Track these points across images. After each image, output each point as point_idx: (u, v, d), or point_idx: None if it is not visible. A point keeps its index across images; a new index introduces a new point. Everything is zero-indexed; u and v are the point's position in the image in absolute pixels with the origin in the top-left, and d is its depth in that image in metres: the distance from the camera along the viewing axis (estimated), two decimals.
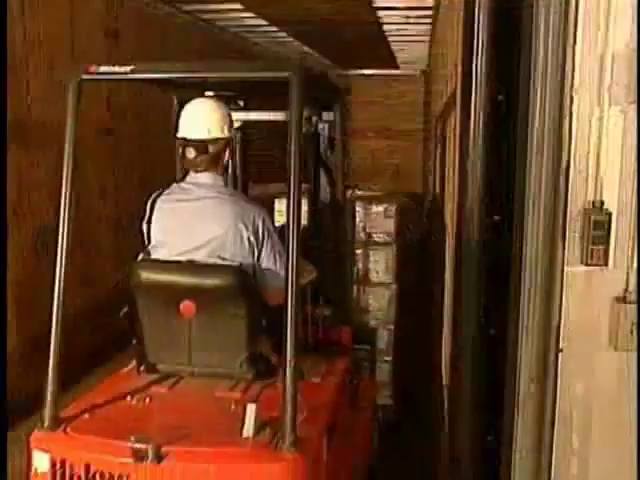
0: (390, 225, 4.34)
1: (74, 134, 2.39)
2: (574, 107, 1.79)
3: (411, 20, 7.36)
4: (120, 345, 3.01)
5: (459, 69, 2.67)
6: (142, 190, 2.83)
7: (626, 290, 1.83)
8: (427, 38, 8.50)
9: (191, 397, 2.45)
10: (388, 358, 4.34)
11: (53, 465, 2.12)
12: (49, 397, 2.26)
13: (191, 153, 2.57)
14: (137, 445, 2.04)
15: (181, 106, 2.69)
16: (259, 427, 2.11)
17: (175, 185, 2.72)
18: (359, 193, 4.68)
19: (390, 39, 9.08)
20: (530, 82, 1.81)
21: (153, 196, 2.69)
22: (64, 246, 2.32)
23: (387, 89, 13.12)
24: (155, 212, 2.66)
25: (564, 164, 1.82)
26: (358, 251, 4.23)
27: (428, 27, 7.63)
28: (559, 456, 1.89)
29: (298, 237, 2.14)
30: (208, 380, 2.50)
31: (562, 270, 1.85)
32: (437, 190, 5.88)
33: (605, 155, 1.80)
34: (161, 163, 3.10)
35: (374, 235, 4.33)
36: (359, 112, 11.55)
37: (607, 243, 1.80)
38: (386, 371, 4.30)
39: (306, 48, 10.15)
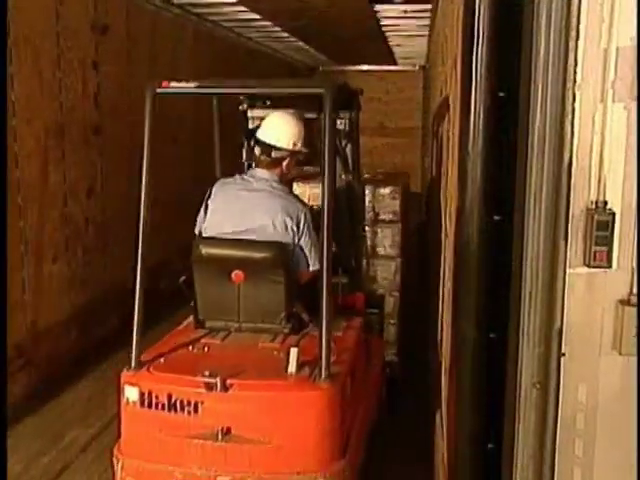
0: (396, 205, 4.87)
1: (151, 140, 2.90)
2: (576, 104, 1.74)
3: (409, 14, 7.30)
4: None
5: (459, 64, 2.62)
6: (130, 191, 2.80)
7: (630, 292, 1.79)
8: (426, 33, 8.44)
9: (241, 346, 3.05)
10: (394, 321, 4.93)
11: (141, 395, 2.72)
12: (134, 344, 2.84)
13: (258, 151, 3.18)
14: (208, 379, 2.63)
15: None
16: (299, 366, 2.71)
17: (238, 176, 3.26)
18: (367, 176, 5.07)
19: (388, 34, 9.03)
20: (531, 78, 1.76)
21: (210, 189, 3.23)
22: (145, 224, 2.92)
23: (385, 85, 13.06)
24: (214, 195, 3.19)
25: (566, 162, 1.77)
26: (367, 228, 4.70)
27: (427, 21, 7.57)
28: (562, 464, 1.85)
29: (330, 220, 2.74)
30: (252, 334, 3.10)
31: (564, 272, 1.80)
32: (436, 188, 5.85)
33: (608, 153, 1.75)
34: (156, 164, 3.06)
35: (382, 214, 4.88)
36: None
37: (610, 244, 1.76)
38: (392, 332, 4.89)
39: (301, 43, 10.08)
